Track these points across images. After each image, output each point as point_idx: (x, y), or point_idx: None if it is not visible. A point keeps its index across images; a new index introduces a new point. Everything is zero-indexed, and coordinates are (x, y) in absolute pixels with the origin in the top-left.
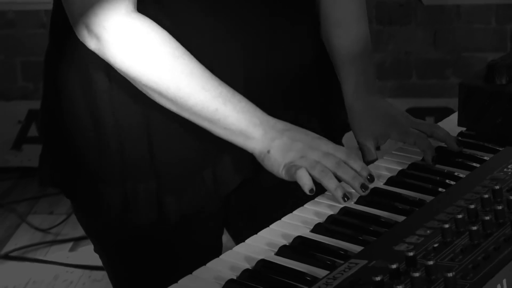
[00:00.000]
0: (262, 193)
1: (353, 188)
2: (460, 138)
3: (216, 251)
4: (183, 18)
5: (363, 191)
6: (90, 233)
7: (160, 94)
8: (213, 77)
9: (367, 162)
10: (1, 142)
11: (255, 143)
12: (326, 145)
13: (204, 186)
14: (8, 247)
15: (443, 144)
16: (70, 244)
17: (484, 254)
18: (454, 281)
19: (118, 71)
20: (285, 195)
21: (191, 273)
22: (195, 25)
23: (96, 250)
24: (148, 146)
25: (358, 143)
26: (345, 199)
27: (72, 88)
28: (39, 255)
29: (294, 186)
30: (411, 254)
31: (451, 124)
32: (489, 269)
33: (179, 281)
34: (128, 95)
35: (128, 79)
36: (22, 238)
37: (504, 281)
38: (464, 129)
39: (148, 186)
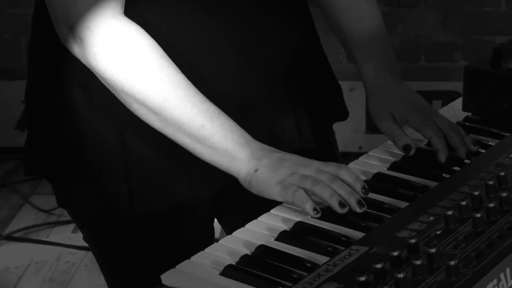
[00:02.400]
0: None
1: (349, 205)
2: (467, 123)
3: (208, 237)
4: (173, 14)
5: (360, 208)
6: (76, 223)
7: (144, 104)
8: (199, 92)
9: (400, 147)
10: (4, 122)
11: (241, 164)
12: (316, 162)
13: (178, 195)
14: (11, 227)
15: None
16: (72, 226)
17: (488, 242)
18: (456, 270)
19: (100, 78)
20: None
21: (181, 261)
22: (184, 21)
23: (85, 239)
24: (122, 149)
25: (380, 127)
26: (342, 207)
27: (51, 89)
28: (41, 236)
29: None
30: (413, 241)
31: (456, 109)
32: (493, 258)
33: (177, 266)
34: (103, 101)
35: (109, 87)
36: (25, 218)
37: (508, 269)
38: (469, 114)
39: (120, 187)
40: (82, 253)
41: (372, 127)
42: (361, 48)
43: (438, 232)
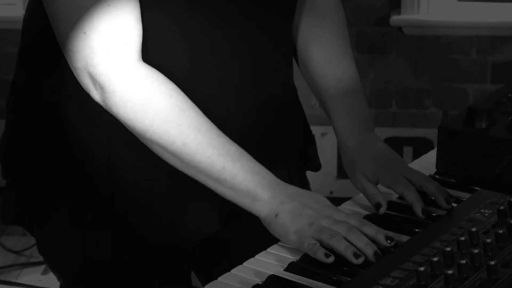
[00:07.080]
0: (229, 242)
1: (366, 256)
2: (437, 176)
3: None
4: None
5: (375, 258)
6: (54, 270)
7: (165, 149)
8: (221, 133)
9: (372, 205)
10: None
11: (262, 206)
12: (338, 213)
13: (162, 236)
14: None
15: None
16: (42, 267)
17: None
18: None
19: (123, 124)
20: (255, 238)
21: None
22: (182, 53)
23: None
24: (111, 190)
25: (355, 185)
26: (357, 257)
27: (41, 125)
28: (11, 277)
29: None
30: None
31: (428, 161)
32: None
33: None
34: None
35: (132, 131)
36: None
37: None
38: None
39: (104, 231)
40: None
41: (343, 173)
42: (334, 104)
43: None
